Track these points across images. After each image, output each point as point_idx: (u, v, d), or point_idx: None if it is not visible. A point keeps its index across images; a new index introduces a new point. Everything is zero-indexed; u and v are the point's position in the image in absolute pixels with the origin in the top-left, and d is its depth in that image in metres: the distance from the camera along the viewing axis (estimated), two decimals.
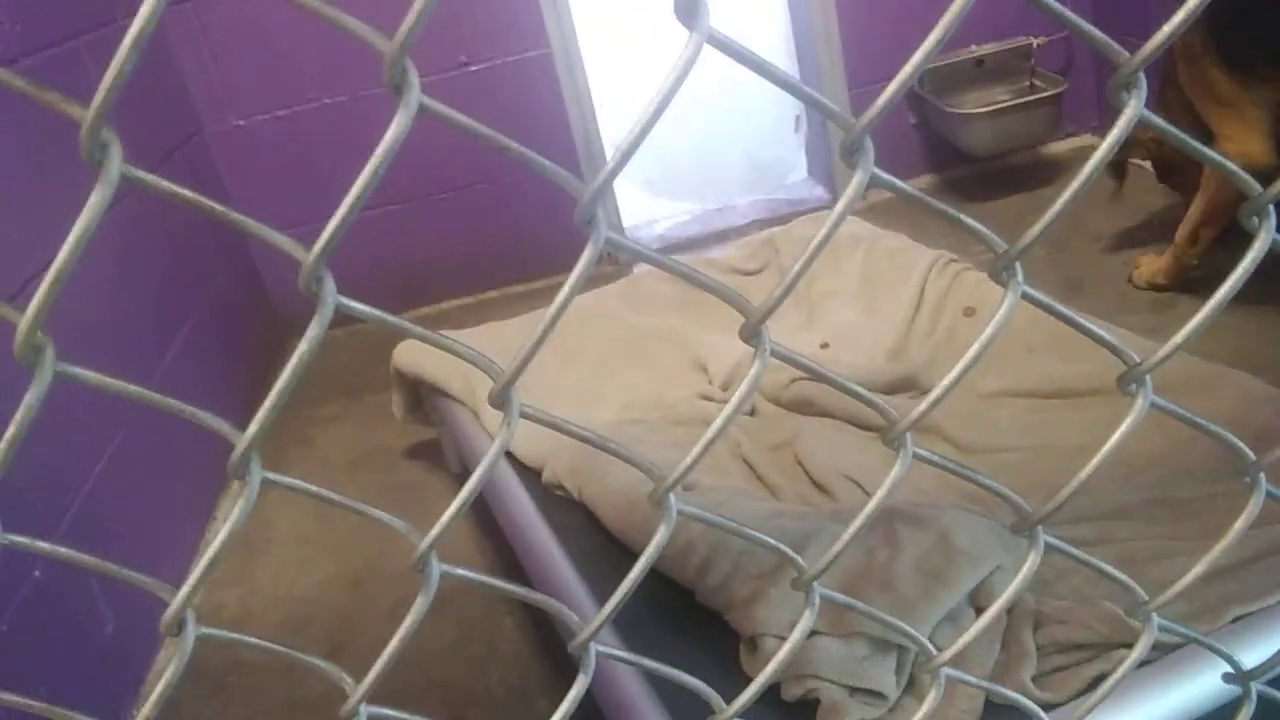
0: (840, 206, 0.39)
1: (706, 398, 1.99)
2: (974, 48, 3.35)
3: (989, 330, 0.43)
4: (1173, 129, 0.45)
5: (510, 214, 3.30)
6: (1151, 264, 2.50)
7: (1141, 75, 0.41)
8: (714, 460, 1.74)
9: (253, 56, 2.98)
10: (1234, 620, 1.15)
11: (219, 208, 0.39)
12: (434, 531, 0.43)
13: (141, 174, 0.37)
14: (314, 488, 0.43)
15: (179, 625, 0.46)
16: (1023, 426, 1.72)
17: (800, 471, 1.71)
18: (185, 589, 0.44)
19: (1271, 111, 2.27)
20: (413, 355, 2.21)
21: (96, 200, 0.36)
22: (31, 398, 0.39)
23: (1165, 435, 1.51)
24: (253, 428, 0.40)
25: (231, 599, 2.13)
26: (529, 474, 1.78)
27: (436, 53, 3.03)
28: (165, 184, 0.37)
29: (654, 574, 1.41)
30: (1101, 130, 3.53)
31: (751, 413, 1.93)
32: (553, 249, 3.27)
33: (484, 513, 1.98)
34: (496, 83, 3.10)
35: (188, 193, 0.38)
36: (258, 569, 2.20)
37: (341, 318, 0.41)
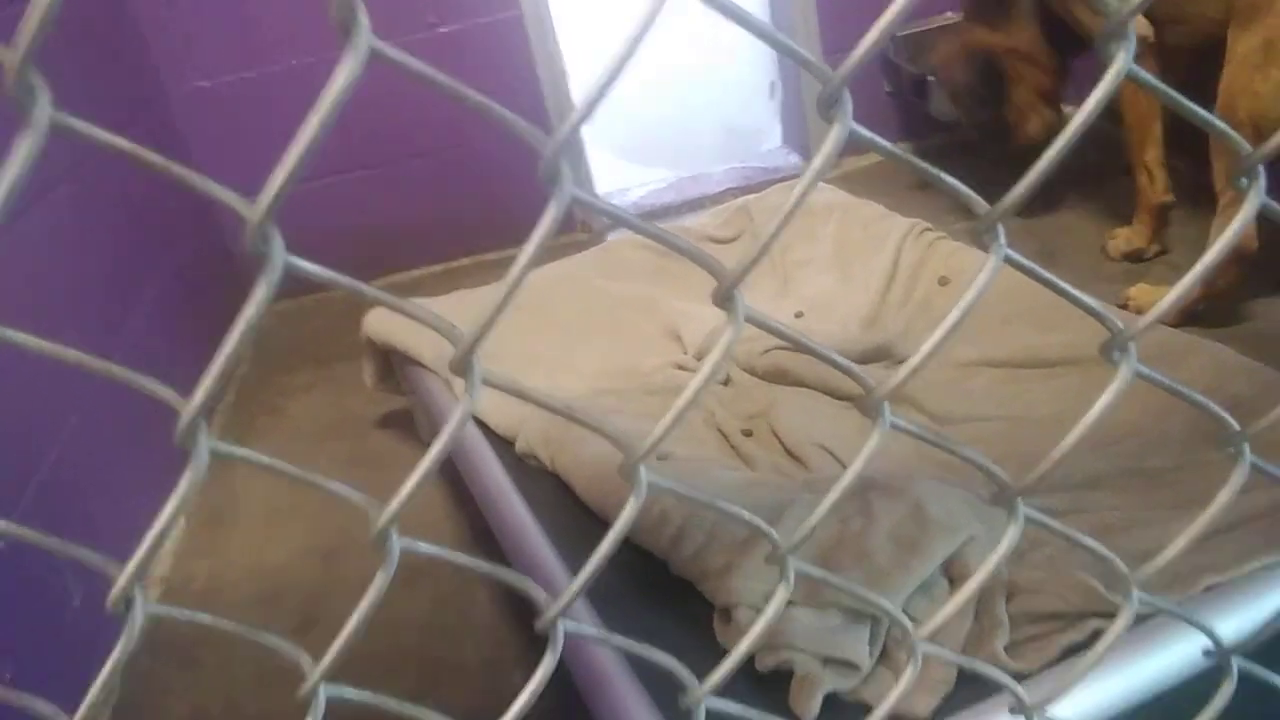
0: (818, 161, 0.37)
1: (681, 367, 1.98)
2: (949, 15, 3.33)
3: (971, 293, 0.41)
4: (1162, 86, 0.43)
5: (482, 180, 3.25)
6: (1127, 233, 2.49)
7: (1131, 26, 0.39)
8: (688, 430, 1.73)
9: (217, 16, 2.91)
10: (1206, 589, 1.15)
11: (158, 160, 0.36)
12: (392, 506, 0.41)
13: (73, 121, 0.35)
14: (266, 459, 0.41)
15: (126, 603, 0.44)
16: (998, 397, 1.72)
17: (775, 441, 1.70)
18: (131, 565, 0.42)
19: None
20: (384, 323, 2.18)
21: (25, 150, 0.34)
22: None
23: (1140, 405, 1.51)
24: (198, 395, 0.38)
25: (202, 571, 2.10)
26: (502, 443, 1.77)
27: (405, 14, 2.97)
28: (99, 132, 0.35)
29: (628, 545, 1.40)
30: (1078, 100, 3.53)
31: (726, 382, 1.92)
32: (525, 216, 3.15)
33: (456, 482, 1.96)
34: (466, 45, 3.05)
35: (124, 142, 0.35)
36: (228, 540, 2.18)
37: (311, 284, 0.38)
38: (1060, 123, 2.86)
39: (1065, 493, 1.40)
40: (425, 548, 0.43)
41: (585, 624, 0.50)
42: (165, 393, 0.40)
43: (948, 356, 1.83)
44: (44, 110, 0.34)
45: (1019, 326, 1.85)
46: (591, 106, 0.35)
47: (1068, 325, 1.77)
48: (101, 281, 2.23)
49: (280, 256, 0.36)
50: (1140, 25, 2.21)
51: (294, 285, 0.37)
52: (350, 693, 0.44)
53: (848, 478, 0.45)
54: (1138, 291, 2.26)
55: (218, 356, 0.37)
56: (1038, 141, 2.79)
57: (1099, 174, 2.49)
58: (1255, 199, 0.45)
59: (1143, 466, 1.42)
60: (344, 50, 0.32)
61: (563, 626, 0.47)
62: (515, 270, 0.37)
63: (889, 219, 2.30)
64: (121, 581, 0.43)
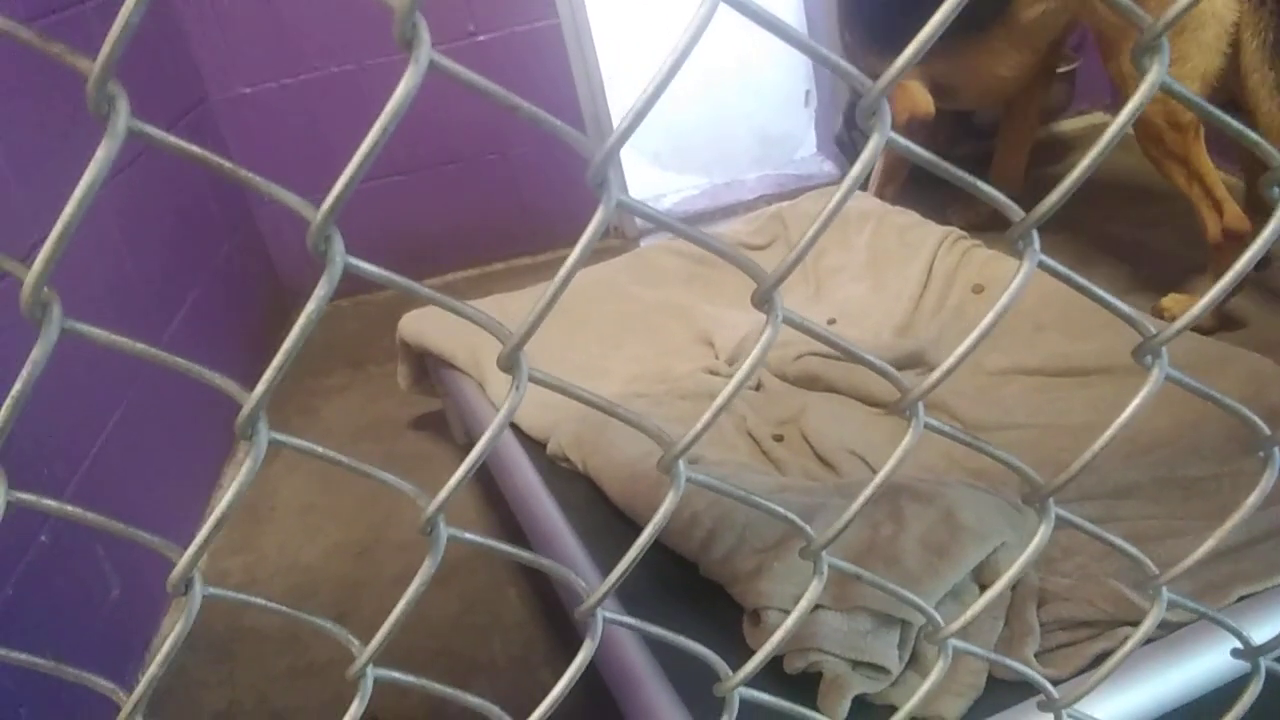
0: (857, 169, 0.38)
1: (713, 372, 1.99)
2: None
3: (1005, 298, 0.42)
4: (1198, 99, 0.44)
5: (517, 186, 3.28)
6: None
7: (1165, 40, 0.40)
8: (719, 434, 1.74)
9: (259, 23, 2.96)
10: (1239, 599, 1.15)
11: (227, 164, 0.38)
12: (442, 494, 0.43)
13: (149, 128, 0.37)
14: (321, 449, 0.43)
15: (186, 584, 0.46)
16: (1030, 405, 1.72)
17: (805, 447, 1.71)
18: (193, 547, 0.44)
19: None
20: (418, 326, 2.21)
21: (103, 154, 0.36)
22: (38, 353, 0.38)
23: (1172, 414, 1.50)
24: (260, 386, 0.40)
25: (236, 566, 2.14)
26: (534, 446, 1.78)
27: (445, 22, 3.01)
28: (172, 139, 0.37)
29: (658, 547, 1.42)
30: (1114, 108, 3.51)
31: (757, 387, 1.93)
32: (559, 222, 3.26)
33: (489, 484, 1.98)
34: (504, 53, 3.08)
35: (195, 148, 0.37)
36: (263, 536, 2.21)
37: (347, 288, 0.40)
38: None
39: (1099, 501, 1.40)
40: (471, 537, 0.45)
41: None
42: (229, 385, 0.42)
43: (980, 364, 1.83)
44: (123, 118, 0.36)
45: (1052, 335, 1.85)
46: (639, 118, 0.36)
47: (1101, 334, 1.76)
48: (145, 285, 2.28)
49: (340, 256, 0.38)
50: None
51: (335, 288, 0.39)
52: (397, 675, 0.46)
53: (882, 475, 0.46)
54: (1171, 301, 2.24)
55: (281, 350, 0.39)
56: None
57: (1134, 186, 2.48)
58: None
59: (1177, 476, 1.41)
60: (406, 64, 0.34)
61: (601, 615, 0.49)
62: (564, 270, 0.38)
63: (923, 227, 2.30)
64: (182, 563, 0.45)
